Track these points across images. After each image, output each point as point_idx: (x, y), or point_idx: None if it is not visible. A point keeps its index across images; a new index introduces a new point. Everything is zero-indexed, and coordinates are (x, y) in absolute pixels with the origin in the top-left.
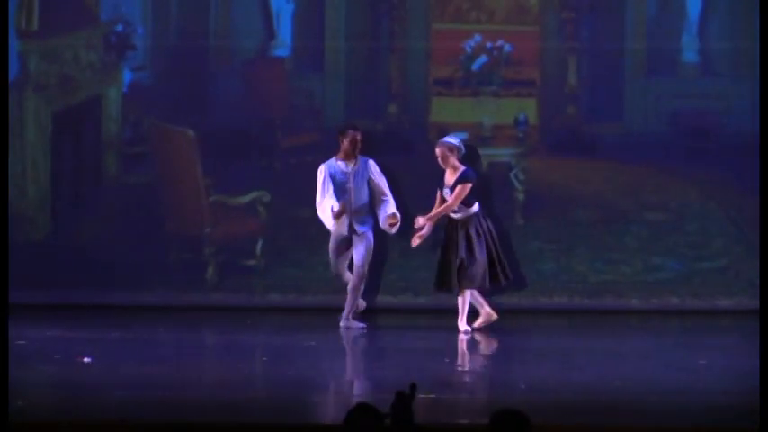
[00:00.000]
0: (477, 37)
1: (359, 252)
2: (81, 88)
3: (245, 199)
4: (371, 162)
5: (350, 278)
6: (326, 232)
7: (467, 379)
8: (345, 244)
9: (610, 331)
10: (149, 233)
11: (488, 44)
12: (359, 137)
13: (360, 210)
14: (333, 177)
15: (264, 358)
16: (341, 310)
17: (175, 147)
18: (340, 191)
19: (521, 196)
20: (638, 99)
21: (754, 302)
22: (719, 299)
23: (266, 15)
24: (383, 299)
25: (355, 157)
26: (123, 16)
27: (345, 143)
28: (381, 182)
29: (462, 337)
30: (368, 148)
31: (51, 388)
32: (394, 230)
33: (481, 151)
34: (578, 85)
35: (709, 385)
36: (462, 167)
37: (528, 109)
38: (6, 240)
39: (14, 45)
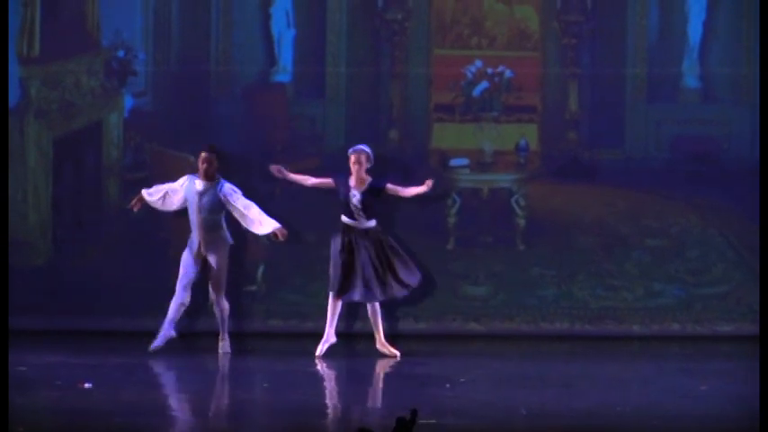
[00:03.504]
0: (478, 63)
1: (213, 277)
2: (82, 114)
3: None
4: (227, 186)
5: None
6: (328, 258)
7: (468, 405)
8: (195, 264)
9: (611, 357)
10: (150, 259)
11: (489, 70)
12: (207, 157)
13: (209, 230)
14: (186, 191)
15: (266, 384)
16: (344, 336)
17: (177, 172)
18: (191, 209)
19: (522, 222)
20: (638, 125)
21: (754, 328)
22: (720, 325)
23: (267, 41)
24: (385, 324)
25: (210, 179)
26: (124, 42)
27: (198, 163)
28: (238, 202)
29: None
30: (369, 173)
31: (52, 414)
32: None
33: (482, 177)
34: (579, 110)
35: (709, 411)
36: (370, 178)
37: (529, 134)
38: (6, 266)
39: (16, 71)
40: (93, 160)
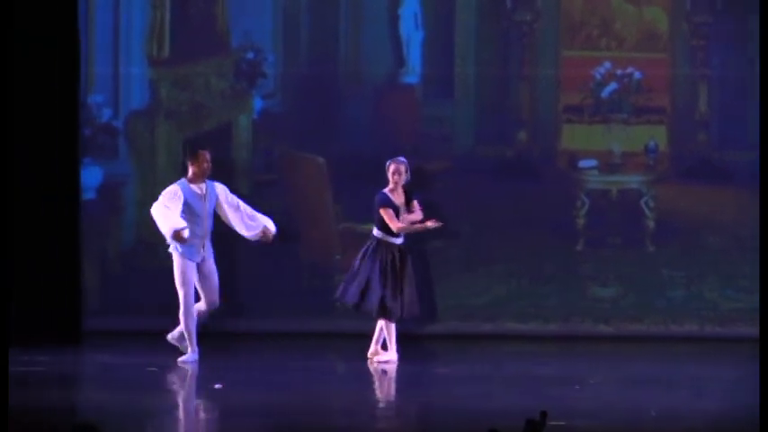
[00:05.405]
0: (607, 64)
1: (212, 283)
2: (212, 115)
3: None
4: (218, 184)
5: (200, 308)
6: (459, 258)
7: (597, 406)
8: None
9: (741, 359)
10: (281, 260)
11: (618, 71)
12: (208, 156)
13: (208, 235)
14: (187, 199)
15: (394, 385)
16: (471, 337)
17: (306, 174)
18: (192, 214)
19: (651, 223)
20: None
21: None
22: None
23: (396, 42)
24: (512, 326)
25: (203, 180)
26: (254, 44)
27: (199, 165)
28: (232, 197)
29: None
30: (496, 174)
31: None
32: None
33: (611, 178)
34: (709, 111)
35: None
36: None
37: (658, 136)
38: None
39: (146, 72)
40: (223, 162)
